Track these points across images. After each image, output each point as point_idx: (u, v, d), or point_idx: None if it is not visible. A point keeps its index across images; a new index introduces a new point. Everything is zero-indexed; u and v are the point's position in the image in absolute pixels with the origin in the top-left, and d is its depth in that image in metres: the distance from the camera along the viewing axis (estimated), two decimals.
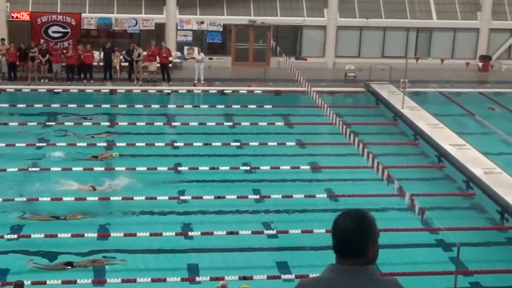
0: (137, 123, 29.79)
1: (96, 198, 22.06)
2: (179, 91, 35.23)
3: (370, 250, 4.25)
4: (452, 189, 24.54)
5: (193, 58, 37.05)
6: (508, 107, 33.58)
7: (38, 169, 24.54)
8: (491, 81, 38.33)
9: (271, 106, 32.54)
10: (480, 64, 38.36)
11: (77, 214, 21.05)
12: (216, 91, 35.29)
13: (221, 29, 39.17)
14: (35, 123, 29.14)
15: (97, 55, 36.58)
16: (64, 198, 21.78)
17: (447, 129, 28.92)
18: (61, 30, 36.96)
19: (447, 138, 27.66)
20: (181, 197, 22.58)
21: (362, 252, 4.21)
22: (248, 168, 25.10)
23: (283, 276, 17.96)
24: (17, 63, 35.16)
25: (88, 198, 21.96)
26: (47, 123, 29.50)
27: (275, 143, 27.44)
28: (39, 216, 20.93)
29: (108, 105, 32.27)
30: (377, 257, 4.32)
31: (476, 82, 38.10)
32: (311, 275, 16.56)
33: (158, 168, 24.59)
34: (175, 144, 27.57)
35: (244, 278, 17.52)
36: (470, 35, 41.13)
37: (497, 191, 22.55)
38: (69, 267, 18.05)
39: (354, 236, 4.23)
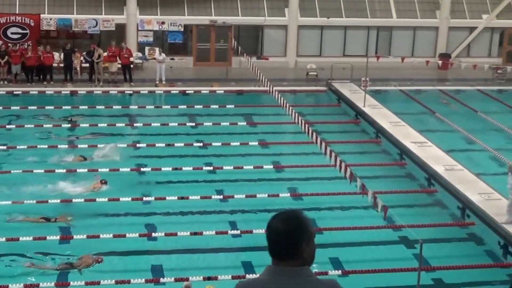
0: (99, 125, 29.58)
1: (58, 201, 21.82)
2: (141, 91, 35.06)
3: (304, 251, 4.22)
4: (414, 186, 24.75)
5: (154, 58, 36.89)
6: (468, 104, 33.97)
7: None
8: (450, 79, 38.77)
9: (233, 106, 32.54)
10: (440, 62, 38.74)
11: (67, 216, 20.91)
12: (178, 91, 35.18)
13: (182, 29, 39.06)
14: None
15: (57, 56, 36.26)
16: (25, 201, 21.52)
17: (408, 127, 29.16)
18: (20, 31, 36.57)
19: (408, 136, 27.90)
20: (144, 198, 22.45)
21: (296, 253, 4.19)
22: (211, 168, 25.06)
23: (247, 276, 17.94)
24: None
25: (49, 201, 21.70)
26: (7, 126, 29.14)
27: (238, 143, 27.44)
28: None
29: (69, 107, 31.99)
30: (313, 257, 4.30)
31: (436, 80, 38.50)
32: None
33: (121, 169, 24.44)
34: (138, 145, 27.41)
35: (209, 278, 17.49)
36: (430, 34, 41.55)
37: (458, 188, 22.80)
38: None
39: (287, 238, 4.20)
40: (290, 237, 4.20)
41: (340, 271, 17.91)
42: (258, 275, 4.37)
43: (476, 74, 37.45)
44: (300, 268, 4.21)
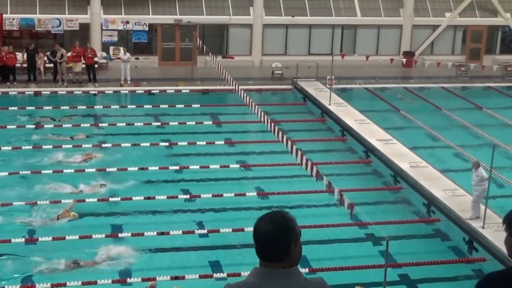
0: (63, 125, 29.35)
1: (23, 203, 21.60)
2: (106, 91, 34.82)
3: (292, 251, 4.22)
4: (380, 184, 24.90)
5: (119, 58, 36.66)
6: (432, 101, 34.26)
7: None
8: (415, 77, 39.05)
9: (199, 105, 32.47)
10: (404, 60, 39.01)
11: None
12: (143, 91, 35.01)
13: (146, 29, 38.89)
14: None
15: (20, 56, 35.89)
16: None
17: (373, 125, 29.34)
18: None
19: (374, 134, 28.07)
20: (110, 199, 22.31)
21: (286, 254, 4.19)
22: (177, 168, 24.98)
23: (215, 275, 17.94)
24: None
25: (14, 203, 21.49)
26: None
27: (204, 142, 27.39)
28: None
29: (33, 107, 31.69)
30: (300, 257, 4.32)
31: (401, 78, 38.76)
32: (242, 273, 16.63)
33: (86, 170, 24.27)
34: (103, 145, 27.22)
35: (176, 278, 17.44)
36: (394, 32, 41.83)
37: (423, 184, 23.00)
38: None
39: (276, 240, 4.17)
40: (280, 238, 4.19)
41: (307, 269, 17.96)
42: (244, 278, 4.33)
43: (440, 72, 37.81)
44: (289, 270, 4.21)
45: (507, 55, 42.34)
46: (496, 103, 34.89)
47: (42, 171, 24.08)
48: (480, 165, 20.84)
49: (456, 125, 31.21)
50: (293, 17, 40.13)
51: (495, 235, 19.38)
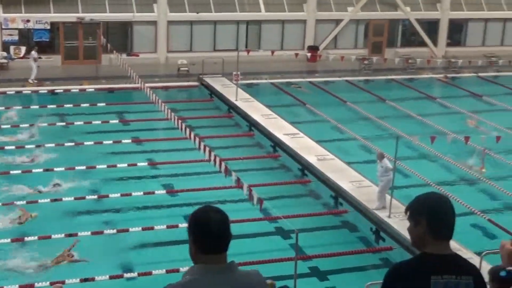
0: None
1: None
2: (7, 92, 33.90)
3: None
4: (288, 178, 25.13)
5: (21, 58, 35.77)
6: (336, 95, 34.77)
7: None
8: (319, 71, 39.55)
9: (104, 104, 32.00)
10: (309, 54, 39.45)
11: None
12: (46, 91, 34.28)
13: (48, 27, 38.09)
14: None
15: None
16: None
17: (280, 119, 29.58)
18: None
19: (280, 128, 28.30)
20: (15, 202, 21.75)
21: (228, 244, 4.23)
22: (84, 168, 24.56)
23: (125, 275, 17.77)
24: None
25: None
26: None
27: (111, 141, 27.06)
28: None
29: None
30: None
31: (306, 72, 39.20)
32: (154, 272, 16.48)
33: None
34: (6, 147, 26.51)
35: (86, 280, 17.18)
36: (298, 27, 42.25)
37: (330, 177, 23.34)
38: None
39: (227, 228, 4.22)
40: (228, 227, 4.22)
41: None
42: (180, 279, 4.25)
43: (344, 65, 38.44)
44: (229, 264, 4.20)
45: (408, 48, 43.38)
46: (399, 95, 35.71)
47: None
48: (385, 156, 21.30)
49: (360, 118, 31.80)
50: (197, 13, 40.05)
51: (401, 224, 19.84)
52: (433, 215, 4.34)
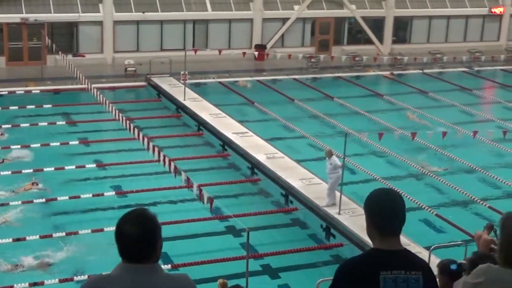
0: None
1: None
2: None
3: (158, 249, 4.20)
4: (238, 176, 25.14)
5: None
6: (284, 93, 34.87)
7: None
8: (267, 69, 39.62)
9: (51, 106, 31.60)
10: (256, 53, 39.50)
11: None
12: None
13: None
14: None
15: None
16: None
17: (229, 118, 29.57)
18: None
19: (229, 127, 28.29)
20: None
21: (153, 252, 4.16)
22: (31, 171, 24.18)
23: (75, 278, 17.57)
24: None
25: None
26: None
27: (58, 143, 26.73)
28: None
29: None
30: (161, 252, 4.28)
31: (253, 71, 39.23)
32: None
33: None
34: None
35: (35, 284, 16.96)
36: (245, 26, 42.26)
37: (280, 175, 23.41)
38: None
39: (144, 241, 4.11)
40: (147, 238, 4.12)
41: (169, 265, 17.91)
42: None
43: (291, 64, 38.60)
44: (154, 266, 4.15)
45: (354, 46, 43.70)
46: (346, 92, 35.98)
47: None
48: (334, 153, 21.44)
49: (309, 115, 31.96)
50: (144, 13, 39.78)
51: (351, 221, 20.03)
52: (375, 211, 4.37)
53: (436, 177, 24.72)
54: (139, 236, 4.10)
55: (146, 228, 4.13)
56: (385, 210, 4.36)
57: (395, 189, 20.36)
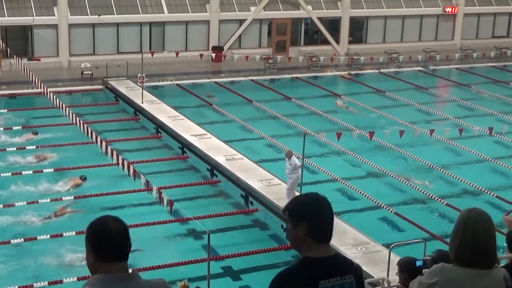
0: None
1: None
2: None
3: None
4: (198, 179, 25.08)
5: None
6: (243, 94, 34.88)
7: None
8: (225, 71, 39.60)
9: (6, 111, 31.20)
10: (213, 54, 39.46)
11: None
12: None
13: None
14: None
15: None
16: None
17: (187, 120, 29.49)
18: None
19: (188, 129, 28.22)
20: None
21: (128, 253, 4.14)
22: None
23: (35, 285, 17.36)
24: None
25: None
26: None
27: (14, 148, 26.41)
28: None
29: None
30: None
31: (211, 73, 39.18)
32: (65, 280, 16.11)
33: None
34: None
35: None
36: (202, 27, 42.18)
37: (239, 176, 23.41)
38: None
39: (127, 236, 4.13)
40: (128, 235, 4.11)
41: (130, 269, 17.75)
42: None
43: (249, 65, 38.63)
44: (130, 273, 4.12)
45: (311, 46, 43.92)
46: (304, 93, 36.12)
47: None
48: (293, 154, 21.51)
49: (267, 116, 32.01)
50: (99, 16, 39.49)
51: None
52: (315, 219, 4.27)
53: (394, 175, 24.92)
54: (125, 229, 4.12)
55: (124, 223, 4.15)
56: (324, 218, 4.30)
57: (352, 188, 20.54)
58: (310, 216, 4.26)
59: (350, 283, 4.29)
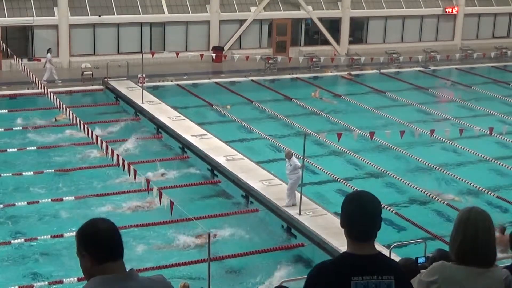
0: None
1: None
2: None
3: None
4: (198, 179, 25.06)
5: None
6: (243, 95, 34.87)
7: None
8: (225, 71, 39.58)
9: (6, 111, 31.20)
10: (214, 55, 39.46)
11: None
12: None
13: None
14: None
15: None
16: None
17: (188, 121, 29.50)
18: None
19: (188, 129, 28.23)
20: None
21: (122, 251, 4.14)
22: None
23: (35, 285, 17.37)
24: None
25: None
26: None
27: (15, 149, 26.43)
28: None
29: None
30: None
31: (211, 73, 39.17)
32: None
33: None
34: None
35: None
36: (202, 28, 42.18)
37: (240, 177, 23.41)
38: None
39: (118, 236, 4.13)
40: (118, 234, 4.14)
41: (128, 268, 17.76)
42: None
43: (249, 65, 38.60)
44: (129, 271, 4.11)
45: (311, 47, 43.93)
46: (304, 93, 36.08)
47: None
48: (293, 154, 21.51)
49: (268, 117, 32.02)
50: (100, 16, 39.49)
51: (312, 221, 20.12)
52: (347, 218, 4.34)
53: (395, 176, 24.91)
54: (115, 228, 4.12)
55: (113, 223, 4.15)
56: (358, 217, 4.32)
57: (352, 189, 20.50)
58: (342, 213, 4.38)
59: (388, 284, 4.28)
